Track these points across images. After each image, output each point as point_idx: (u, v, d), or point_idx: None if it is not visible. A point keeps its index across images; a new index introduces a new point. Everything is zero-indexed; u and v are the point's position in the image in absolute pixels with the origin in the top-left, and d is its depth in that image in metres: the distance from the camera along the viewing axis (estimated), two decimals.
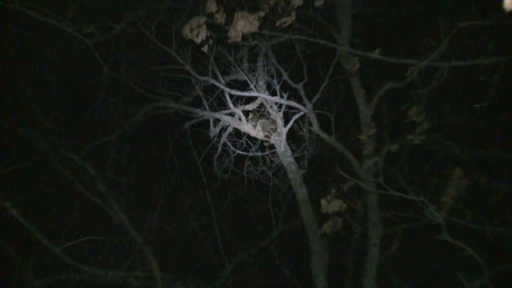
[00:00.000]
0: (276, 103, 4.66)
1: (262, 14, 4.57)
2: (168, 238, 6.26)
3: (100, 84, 4.78)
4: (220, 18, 4.54)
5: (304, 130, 5.10)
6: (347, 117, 5.43)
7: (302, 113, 4.73)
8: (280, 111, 4.73)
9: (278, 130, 4.71)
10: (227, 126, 5.03)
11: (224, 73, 4.87)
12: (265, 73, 4.78)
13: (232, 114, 4.82)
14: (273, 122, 4.73)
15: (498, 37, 4.63)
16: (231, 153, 5.18)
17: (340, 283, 6.03)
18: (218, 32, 4.63)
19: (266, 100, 4.69)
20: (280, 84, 4.72)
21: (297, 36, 4.56)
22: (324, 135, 4.70)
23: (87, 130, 5.56)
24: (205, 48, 4.50)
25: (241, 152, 5.10)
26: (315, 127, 4.66)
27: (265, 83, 4.83)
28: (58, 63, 5.26)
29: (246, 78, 4.60)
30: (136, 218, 5.44)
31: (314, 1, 4.75)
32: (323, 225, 5.04)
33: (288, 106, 4.77)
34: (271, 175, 5.29)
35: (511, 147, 5.63)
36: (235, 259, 5.97)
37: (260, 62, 4.87)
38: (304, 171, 4.94)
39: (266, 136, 4.71)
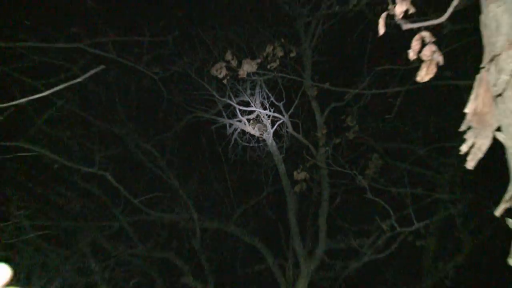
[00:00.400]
0: (266, 115, 5.74)
1: (258, 61, 5.82)
2: (203, 195, 7.37)
3: (162, 102, 5.83)
4: (233, 63, 5.78)
5: (283, 131, 6.29)
6: (309, 122, 6.52)
7: (282, 120, 5.86)
8: (268, 119, 5.85)
9: (268, 130, 5.81)
10: (237, 128, 6.02)
11: (235, 96, 6.11)
12: (260, 96, 5.86)
13: (240, 121, 5.94)
14: (265, 125, 5.88)
15: (401, 75, 5.71)
16: (239, 144, 6.18)
17: (305, 223, 7.11)
18: (232, 71, 5.74)
19: (260, 112, 5.77)
20: (269, 103, 5.82)
21: (280, 74, 5.77)
22: (295, 134, 5.85)
23: (154, 127, 6.71)
24: (224, 81, 5.84)
25: (245, 144, 6.17)
26: (290, 129, 5.83)
27: (260, 102, 5.92)
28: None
29: (249, 99, 5.80)
30: (182, 183, 6.44)
31: (290, 53, 5.91)
32: (295, 187, 6.09)
33: (273, 116, 5.84)
34: (263, 157, 6.33)
35: (407, 141, 6.51)
36: (241, 207, 6.88)
37: (257, 89, 6.11)
38: (283, 155, 6.01)
39: (261, 134, 5.91)
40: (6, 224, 5.47)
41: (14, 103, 2.15)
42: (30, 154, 4.83)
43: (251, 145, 6.30)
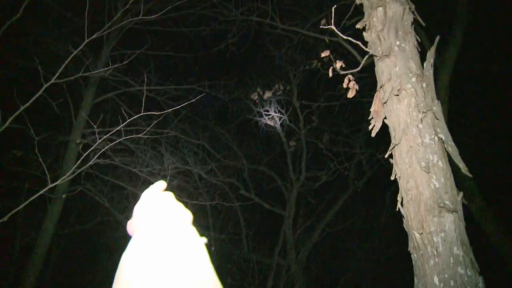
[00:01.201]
0: (277, 116, 12.01)
1: (272, 91, 11.81)
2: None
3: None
4: (260, 92, 11.87)
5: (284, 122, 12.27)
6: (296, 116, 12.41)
7: (284, 118, 12.03)
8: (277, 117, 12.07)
9: (277, 122, 12.05)
10: (265, 123, 12.27)
11: (262, 107, 12.13)
12: (273, 107, 12.03)
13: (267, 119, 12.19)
14: (276, 121, 12.05)
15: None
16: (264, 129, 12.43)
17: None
18: (260, 96, 11.81)
19: (273, 114, 12.03)
20: (277, 111, 12.02)
21: (281, 97, 11.88)
22: (297, 130, 12.01)
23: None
24: (257, 100, 11.90)
25: (268, 129, 12.40)
26: (286, 120, 11.99)
27: (274, 109, 12.07)
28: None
29: (268, 108, 11.95)
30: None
31: (286, 87, 12.01)
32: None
33: (279, 117, 12.03)
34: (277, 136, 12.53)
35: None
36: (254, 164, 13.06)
37: (272, 104, 12.12)
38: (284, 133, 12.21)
39: (274, 123, 12.07)
40: None
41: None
42: None
43: (272, 130, 12.45)
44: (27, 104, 4.37)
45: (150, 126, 6.17)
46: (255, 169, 12.70)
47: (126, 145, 9.02)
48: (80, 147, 8.04)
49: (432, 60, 3.70)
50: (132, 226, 0.90)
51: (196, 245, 0.85)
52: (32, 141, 4.99)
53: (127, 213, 10.00)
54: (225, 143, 12.50)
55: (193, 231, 0.88)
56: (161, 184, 1.00)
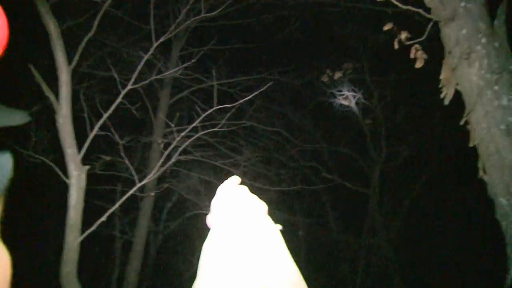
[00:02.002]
0: (352, 96, 11.94)
1: (341, 72, 11.73)
2: None
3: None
4: (331, 73, 11.85)
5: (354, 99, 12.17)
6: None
7: (358, 96, 11.92)
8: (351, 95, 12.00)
9: (351, 100, 11.99)
10: (339, 103, 12.28)
11: (335, 86, 12.06)
12: (345, 86, 11.96)
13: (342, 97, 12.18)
14: (350, 100, 11.98)
15: None
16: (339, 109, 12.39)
17: None
18: (331, 77, 11.80)
19: (346, 93, 11.96)
20: (350, 90, 11.95)
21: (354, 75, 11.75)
22: (372, 106, 11.90)
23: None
24: (327, 83, 11.88)
25: (343, 109, 12.34)
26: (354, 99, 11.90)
27: (349, 91, 12.00)
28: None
29: (341, 88, 11.91)
30: None
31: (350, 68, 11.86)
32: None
33: (352, 95, 11.93)
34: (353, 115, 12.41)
35: None
36: None
37: (345, 84, 12.07)
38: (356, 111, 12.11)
39: (349, 102, 12.00)
40: None
41: None
42: None
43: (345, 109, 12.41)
44: (109, 112, 4.71)
45: (225, 119, 6.40)
46: (335, 150, 12.66)
47: (205, 140, 9.35)
48: (162, 146, 8.46)
49: (503, 16, 3.55)
50: (210, 219, 0.94)
51: (271, 233, 0.87)
52: (117, 145, 5.37)
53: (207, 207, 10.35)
54: (301, 127, 12.53)
55: (268, 220, 0.90)
56: (235, 179, 1.02)
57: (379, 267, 12.01)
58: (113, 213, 10.55)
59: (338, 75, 11.13)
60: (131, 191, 4.70)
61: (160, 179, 9.33)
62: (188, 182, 10.05)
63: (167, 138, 8.79)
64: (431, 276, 12.13)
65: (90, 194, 9.83)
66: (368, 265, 12.08)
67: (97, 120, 4.69)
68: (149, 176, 5.13)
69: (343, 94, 11.73)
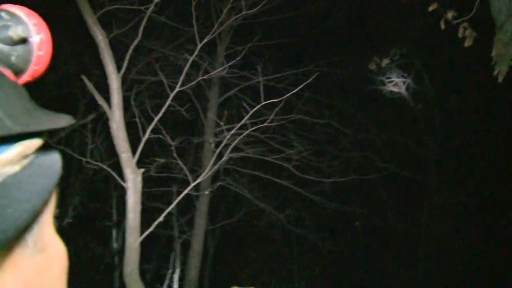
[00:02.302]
0: (402, 82, 11.72)
1: (389, 57, 11.55)
2: None
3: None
4: (378, 61, 11.67)
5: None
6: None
7: (408, 80, 11.67)
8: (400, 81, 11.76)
9: (400, 86, 11.74)
10: (389, 90, 12.06)
11: (383, 74, 11.88)
12: (398, 74, 11.74)
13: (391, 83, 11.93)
14: (400, 86, 11.74)
15: None
16: (390, 96, 12.18)
17: None
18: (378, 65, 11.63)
19: (395, 80, 11.75)
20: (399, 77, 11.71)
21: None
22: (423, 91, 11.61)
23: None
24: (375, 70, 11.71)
25: (393, 96, 12.12)
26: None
27: (398, 77, 11.78)
28: None
29: (390, 76, 11.69)
30: None
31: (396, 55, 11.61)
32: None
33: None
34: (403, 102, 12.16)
35: None
36: None
37: (394, 70, 11.85)
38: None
39: (398, 88, 11.80)
40: None
41: None
42: None
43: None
44: (160, 115, 4.84)
45: (273, 113, 6.43)
46: (388, 139, 12.42)
47: (255, 136, 9.43)
48: (214, 145, 8.60)
49: None
50: None
51: None
52: (170, 147, 5.51)
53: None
54: (352, 117, 12.35)
55: None
56: None
57: (438, 254, 11.72)
58: (171, 214, 10.97)
59: (385, 61, 10.91)
60: (186, 191, 4.82)
61: (214, 178, 9.52)
62: (241, 179, 10.17)
63: (218, 137, 8.96)
64: (491, 264, 11.81)
65: (148, 197, 10.26)
66: (428, 253, 11.84)
67: (149, 124, 4.83)
68: (202, 175, 5.23)
69: (392, 81, 11.55)
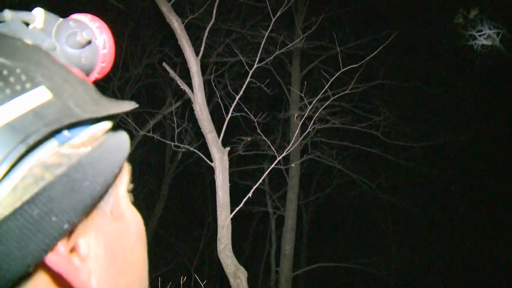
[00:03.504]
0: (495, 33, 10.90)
1: (477, 7, 10.78)
2: None
3: None
4: (465, 12, 10.93)
5: None
6: None
7: None
8: None
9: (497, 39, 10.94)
10: (481, 44, 11.32)
11: None
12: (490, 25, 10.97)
13: None
14: (494, 39, 10.94)
15: None
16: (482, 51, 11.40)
17: None
18: None
19: None
20: None
21: None
22: None
23: None
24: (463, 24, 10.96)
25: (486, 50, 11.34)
26: None
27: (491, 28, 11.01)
28: None
29: (486, 29, 10.97)
30: None
31: None
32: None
33: None
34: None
35: None
36: None
37: None
38: None
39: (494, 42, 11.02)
40: None
41: None
42: None
43: None
44: (240, 93, 4.89)
45: (354, 79, 6.30)
46: (482, 97, 11.66)
47: (341, 106, 9.33)
48: (299, 119, 8.58)
49: None
50: None
51: None
52: (256, 126, 5.56)
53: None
54: (440, 78, 11.72)
55: None
56: None
57: None
58: (264, 191, 11.19)
59: (474, 13, 10.20)
60: (272, 165, 4.84)
61: (303, 152, 9.53)
62: (330, 151, 10.11)
63: (303, 111, 8.94)
64: None
65: (240, 176, 10.50)
66: None
67: (235, 107, 4.91)
68: (288, 148, 5.22)
69: (483, 34, 10.75)
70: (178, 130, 5.38)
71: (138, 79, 10.62)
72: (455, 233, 11.62)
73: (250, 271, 4.05)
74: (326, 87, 5.19)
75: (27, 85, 0.53)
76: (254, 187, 4.44)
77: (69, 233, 0.54)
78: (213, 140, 4.38)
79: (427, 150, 10.26)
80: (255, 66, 5.01)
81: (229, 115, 4.77)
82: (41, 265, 0.51)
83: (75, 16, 0.73)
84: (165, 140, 6.01)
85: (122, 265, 0.63)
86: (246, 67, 5.07)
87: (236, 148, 8.18)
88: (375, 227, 12.23)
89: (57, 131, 0.53)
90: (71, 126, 0.55)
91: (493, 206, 11.50)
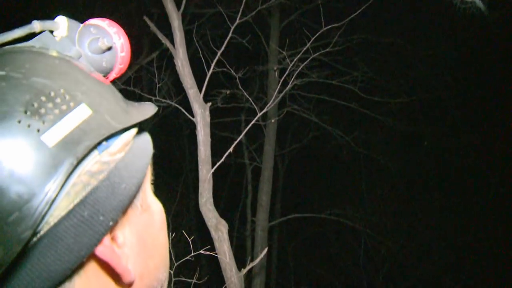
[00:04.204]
0: None
1: None
2: None
3: None
4: None
5: None
6: None
7: None
8: None
9: None
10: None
11: None
12: None
13: None
14: None
15: None
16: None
17: None
18: None
19: None
20: None
21: None
22: None
23: None
24: None
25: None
26: None
27: None
28: None
29: None
30: None
31: None
32: None
33: None
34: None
35: None
36: None
37: None
38: None
39: None
40: None
41: None
42: None
43: None
44: (222, 49, 4.88)
45: (336, 37, 6.31)
46: (460, 54, 11.67)
47: (319, 60, 9.31)
48: (278, 73, 8.62)
49: None
50: None
51: None
52: (235, 79, 5.59)
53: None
54: (420, 33, 11.65)
55: None
56: None
57: None
58: (241, 142, 11.27)
59: None
60: (253, 121, 4.88)
61: (280, 104, 9.59)
62: (307, 104, 10.19)
63: (282, 64, 8.94)
64: None
65: (217, 127, 10.55)
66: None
67: (213, 58, 4.90)
68: (268, 105, 5.28)
69: None
70: (159, 84, 5.37)
71: None
72: (428, 188, 11.88)
73: (226, 221, 4.19)
74: (308, 45, 5.21)
75: (71, 104, 0.60)
76: (236, 142, 4.53)
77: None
78: (194, 96, 4.41)
79: (404, 106, 10.40)
80: (237, 21, 4.99)
81: (211, 70, 4.77)
82: (91, 255, 0.62)
83: (94, 21, 0.80)
84: (145, 94, 5.98)
85: (150, 250, 0.74)
86: (228, 22, 5.06)
87: (215, 101, 8.20)
88: (349, 180, 12.44)
89: (98, 143, 0.61)
90: (109, 136, 0.63)
91: (466, 162, 11.68)
